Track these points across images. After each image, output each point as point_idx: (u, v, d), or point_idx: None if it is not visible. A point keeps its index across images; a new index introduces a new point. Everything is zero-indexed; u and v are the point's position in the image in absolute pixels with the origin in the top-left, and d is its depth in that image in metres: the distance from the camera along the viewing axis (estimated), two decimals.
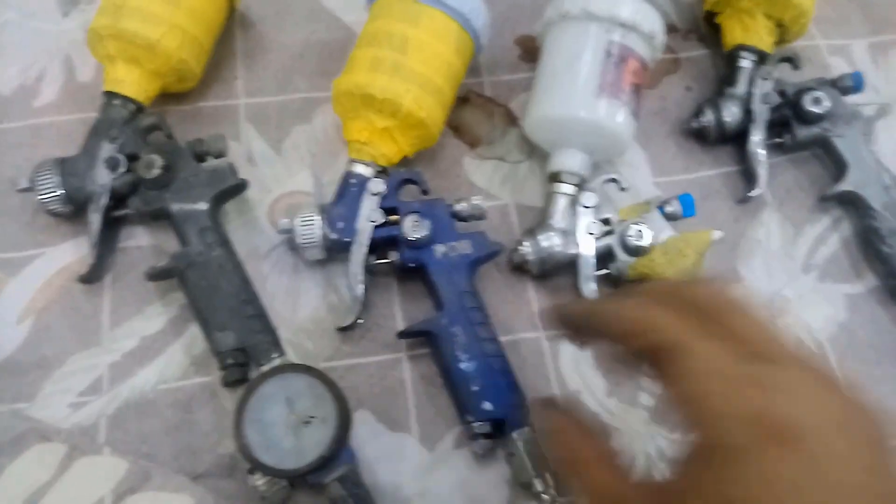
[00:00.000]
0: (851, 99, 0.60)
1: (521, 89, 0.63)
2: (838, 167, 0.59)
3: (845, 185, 0.58)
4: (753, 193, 0.58)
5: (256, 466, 0.42)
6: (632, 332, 0.32)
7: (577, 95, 0.54)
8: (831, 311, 0.57)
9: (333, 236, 0.52)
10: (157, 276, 0.52)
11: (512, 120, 0.62)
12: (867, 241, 0.58)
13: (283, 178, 0.59)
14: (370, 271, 0.54)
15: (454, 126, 0.62)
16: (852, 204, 0.59)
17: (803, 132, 0.59)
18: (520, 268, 0.56)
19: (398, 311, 0.55)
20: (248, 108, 0.61)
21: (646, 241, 0.53)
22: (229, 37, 0.63)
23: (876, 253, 0.57)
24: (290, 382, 0.44)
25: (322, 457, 0.42)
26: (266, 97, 0.61)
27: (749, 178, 0.59)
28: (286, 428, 0.43)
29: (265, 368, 0.49)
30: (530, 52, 0.64)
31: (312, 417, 0.43)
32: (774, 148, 0.61)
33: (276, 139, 0.60)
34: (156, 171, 0.52)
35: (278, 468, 0.42)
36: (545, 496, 0.48)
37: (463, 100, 0.63)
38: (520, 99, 0.63)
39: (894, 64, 0.67)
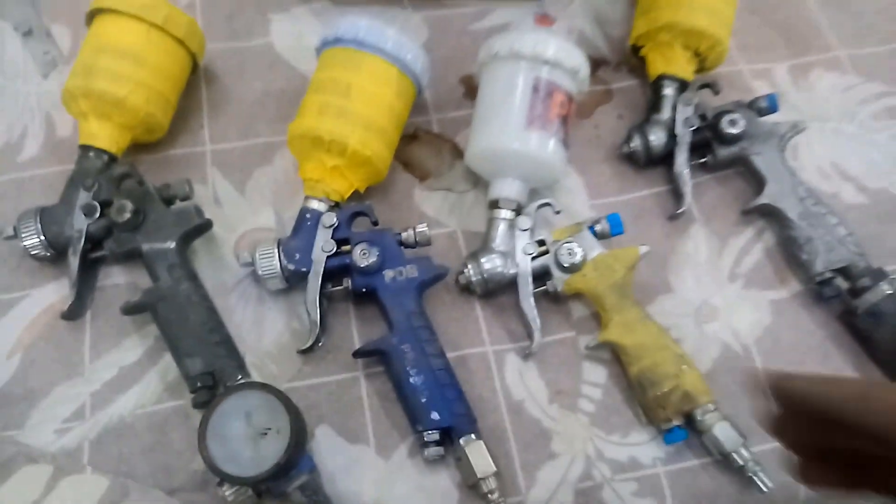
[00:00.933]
0: (768, 119, 0.65)
1: (465, 125, 0.69)
2: (757, 182, 0.64)
3: (763, 199, 0.62)
4: (680, 211, 0.63)
5: (220, 476, 0.47)
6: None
7: (510, 128, 0.59)
8: (757, 316, 0.61)
9: (291, 267, 0.57)
10: (130, 310, 0.57)
11: (458, 153, 0.68)
12: (787, 250, 0.62)
13: (248, 216, 0.64)
14: (327, 297, 0.59)
15: (404, 161, 0.67)
16: (772, 215, 0.63)
17: (723, 152, 0.64)
18: (466, 289, 0.60)
19: (355, 333, 0.60)
20: (213, 154, 0.66)
21: (577, 259, 0.58)
22: (195, 89, 0.69)
23: (795, 260, 0.62)
24: (247, 399, 0.48)
25: (278, 464, 0.46)
26: (230, 143, 0.67)
27: (677, 195, 0.64)
28: (245, 440, 0.47)
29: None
30: (473, 90, 0.69)
31: (269, 429, 0.47)
32: (699, 168, 0.66)
33: (239, 181, 0.65)
34: (127, 215, 0.57)
35: (240, 476, 0.46)
36: (492, 497, 0.52)
37: (412, 137, 0.68)
38: (465, 134, 0.68)
39: (814, 83, 0.72)
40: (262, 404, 0.48)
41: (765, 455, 0.54)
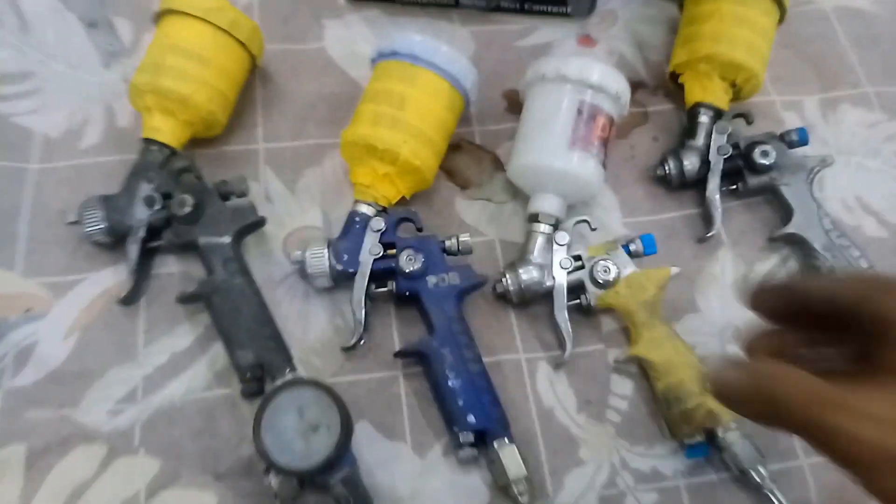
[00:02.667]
0: (798, 151, 0.68)
1: (506, 138, 0.72)
2: (785, 212, 0.67)
3: (790, 229, 0.65)
4: (709, 234, 0.66)
5: (272, 467, 0.50)
6: (863, 299, 0.35)
7: (553, 147, 0.62)
8: None
9: (339, 267, 0.60)
10: (186, 300, 0.60)
11: (498, 165, 0.71)
12: None
13: (296, 214, 0.67)
14: (371, 298, 0.61)
15: (447, 170, 0.70)
16: (797, 244, 0.66)
17: (754, 181, 0.67)
18: (502, 297, 0.63)
19: (395, 332, 0.63)
20: (266, 152, 0.69)
21: (612, 276, 0.61)
22: (250, 89, 0.72)
23: None
24: (300, 394, 0.51)
25: (328, 458, 0.49)
26: (282, 143, 0.70)
27: (707, 220, 0.67)
28: (297, 433, 0.50)
29: (279, 382, 0.57)
30: (515, 104, 0.72)
31: (319, 425, 0.50)
32: (730, 194, 0.69)
33: (290, 180, 0.68)
34: (187, 209, 0.60)
35: (291, 468, 0.49)
36: (521, 499, 0.55)
37: (455, 147, 0.71)
38: (505, 146, 0.71)
39: (842, 118, 0.75)
40: (314, 400, 0.51)
41: (781, 474, 0.58)
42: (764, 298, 0.39)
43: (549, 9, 0.77)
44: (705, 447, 0.58)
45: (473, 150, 0.72)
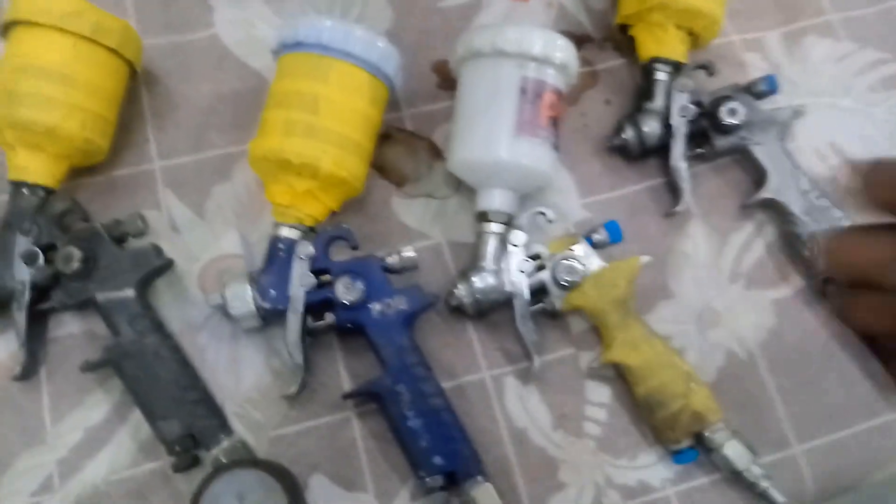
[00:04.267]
0: (767, 101, 0.61)
1: (442, 119, 0.63)
2: (758, 174, 0.60)
3: (765, 193, 0.59)
4: (678, 209, 0.59)
5: None
6: None
7: (496, 137, 0.54)
8: (760, 318, 0.59)
9: (267, 306, 0.52)
10: (91, 368, 0.51)
11: (436, 153, 0.62)
12: (790, 246, 0.59)
13: (210, 242, 0.58)
14: (309, 333, 0.54)
15: (378, 166, 0.61)
16: (773, 209, 0.60)
17: (721, 142, 0.60)
18: (457, 310, 0.56)
19: (342, 368, 0.55)
20: (164, 171, 0.59)
21: (577, 276, 0.54)
22: (135, 97, 0.61)
23: (799, 256, 0.59)
24: (239, 478, 0.44)
25: None
26: (181, 157, 0.60)
27: (673, 191, 0.60)
28: None
29: (215, 452, 0.49)
30: (448, 79, 0.63)
31: None
32: (696, 158, 0.61)
33: (197, 202, 0.59)
34: (75, 265, 0.50)
35: None
36: None
37: (384, 137, 0.62)
38: (442, 129, 0.62)
39: (809, 53, 0.68)
40: (256, 483, 0.44)
41: (774, 465, 0.54)
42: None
43: None
44: (693, 451, 0.53)
45: (405, 138, 0.63)
